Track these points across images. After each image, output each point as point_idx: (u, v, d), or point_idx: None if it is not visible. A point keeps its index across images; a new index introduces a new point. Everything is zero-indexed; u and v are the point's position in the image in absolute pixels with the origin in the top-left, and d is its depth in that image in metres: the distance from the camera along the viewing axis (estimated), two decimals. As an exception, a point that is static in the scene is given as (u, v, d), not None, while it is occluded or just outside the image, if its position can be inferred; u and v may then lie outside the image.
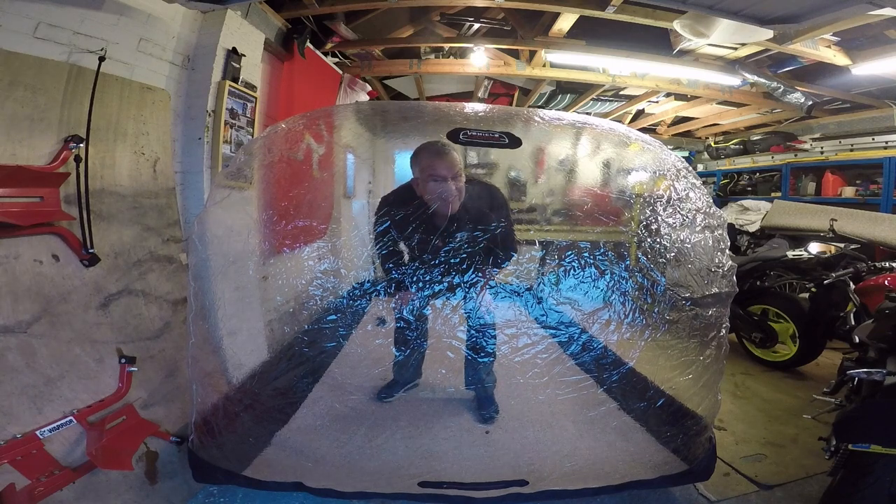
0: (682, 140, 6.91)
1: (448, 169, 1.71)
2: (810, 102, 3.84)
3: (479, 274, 1.74)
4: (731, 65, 3.63)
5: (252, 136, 2.56)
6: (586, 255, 1.83)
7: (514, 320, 1.88)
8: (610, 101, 5.09)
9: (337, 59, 3.91)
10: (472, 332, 1.80)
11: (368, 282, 1.92)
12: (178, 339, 1.99)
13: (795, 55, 3.21)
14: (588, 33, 3.38)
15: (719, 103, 4.81)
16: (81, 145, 1.69)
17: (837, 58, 3.15)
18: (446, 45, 3.88)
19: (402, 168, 2.48)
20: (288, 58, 3.12)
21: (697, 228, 1.76)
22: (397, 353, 1.95)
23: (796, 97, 3.78)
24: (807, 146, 5.32)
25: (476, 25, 3.52)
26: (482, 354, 1.83)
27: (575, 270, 1.84)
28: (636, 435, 1.89)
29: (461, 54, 4.04)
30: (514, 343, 1.84)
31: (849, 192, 4.65)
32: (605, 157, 2.11)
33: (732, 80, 3.88)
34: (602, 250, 1.83)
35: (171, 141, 2.20)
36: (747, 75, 3.64)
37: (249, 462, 1.69)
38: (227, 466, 1.62)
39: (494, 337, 1.83)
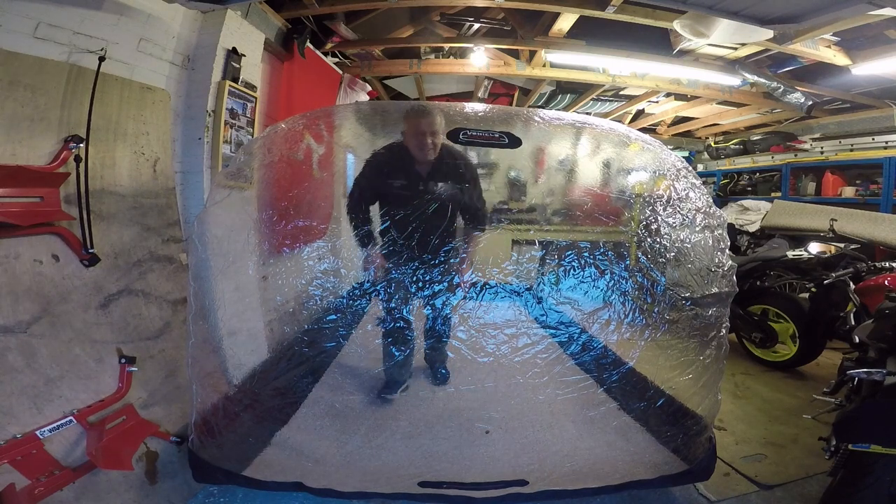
0: (682, 140, 6.91)
1: (427, 126, 1.93)
2: (810, 102, 3.84)
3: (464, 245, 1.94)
4: (731, 65, 3.63)
5: (252, 136, 2.56)
6: (586, 255, 1.83)
7: (514, 320, 1.88)
8: (610, 101, 5.09)
9: (337, 59, 3.91)
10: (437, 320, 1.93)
11: (368, 282, 1.92)
12: (178, 339, 1.99)
13: (795, 55, 3.21)
14: (588, 33, 3.38)
15: (719, 103, 4.81)
16: (81, 145, 1.69)
17: (837, 58, 3.15)
18: (446, 45, 3.88)
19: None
20: (288, 58, 3.12)
21: (697, 228, 1.76)
22: (387, 359, 2.01)
23: (796, 97, 3.78)
24: (807, 146, 5.32)
25: (476, 25, 3.52)
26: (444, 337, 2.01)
27: (575, 270, 1.84)
28: (636, 435, 1.89)
29: (461, 54, 4.04)
30: (514, 343, 1.84)
31: (849, 192, 4.65)
32: (605, 157, 2.11)
33: (732, 80, 3.88)
34: (602, 250, 1.83)
35: (171, 141, 2.20)
36: (747, 75, 3.64)
37: (249, 462, 1.69)
38: (227, 466, 1.62)
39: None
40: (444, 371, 2.20)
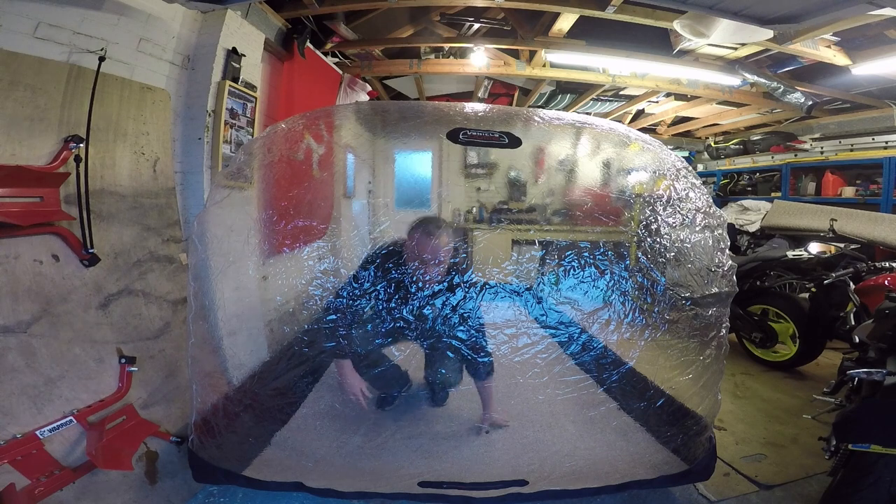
0: (682, 140, 6.91)
1: (432, 253, 1.76)
2: (810, 102, 3.84)
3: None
4: (731, 65, 3.63)
5: (252, 136, 2.56)
6: (586, 255, 1.83)
7: (514, 320, 1.88)
8: (610, 101, 5.09)
9: (337, 59, 3.91)
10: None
11: (368, 282, 1.92)
12: (178, 339, 1.99)
13: (795, 55, 3.21)
14: (588, 33, 3.38)
15: (719, 103, 4.81)
16: (81, 145, 1.69)
17: (837, 58, 3.15)
18: (446, 45, 3.88)
19: (402, 168, 2.48)
20: (288, 58, 3.12)
21: (697, 228, 1.76)
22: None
23: (796, 97, 3.78)
24: (807, 146, 5.32)
25: (476, 25, 3.52)
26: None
27: (575, 270, 1.84)
28: (636, 435, 1.89)
29: (461, 54, 4.04)
30: (514, 343, 1.84)
31: (849, 192, 4.65)
32: (605, 157, 2.11)
33: (732, 80, 3.88)
34: (602, 250, 1.83)
35: (171, 141, 2.20)
36: (747, 75, 3.64)
37: (249, 462, 1.69)
38: (227, 466, 1.62)
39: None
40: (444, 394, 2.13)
